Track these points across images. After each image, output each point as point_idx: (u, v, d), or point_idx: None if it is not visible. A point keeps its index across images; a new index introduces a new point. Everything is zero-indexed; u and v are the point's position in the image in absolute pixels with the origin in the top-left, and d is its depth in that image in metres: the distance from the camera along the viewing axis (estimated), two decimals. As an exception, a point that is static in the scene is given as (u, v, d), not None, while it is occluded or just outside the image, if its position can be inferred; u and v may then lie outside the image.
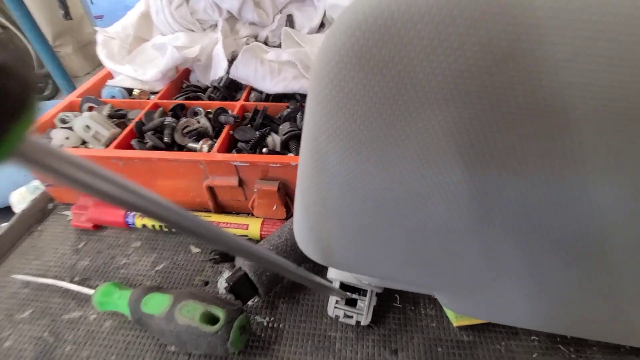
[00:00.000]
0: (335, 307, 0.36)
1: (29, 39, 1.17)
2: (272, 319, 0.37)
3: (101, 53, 0.58)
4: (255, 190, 0.42)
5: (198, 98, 0.53)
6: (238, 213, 0.48)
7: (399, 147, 0.18)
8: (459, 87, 0.14)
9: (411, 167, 0.18)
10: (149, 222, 0.44)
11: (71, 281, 0.40)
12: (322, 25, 0.62)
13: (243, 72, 0.48)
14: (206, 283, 0.40)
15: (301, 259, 0.39)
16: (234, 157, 0.40)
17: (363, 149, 0.18)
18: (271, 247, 0.39)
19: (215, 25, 0.60)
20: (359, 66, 0.15)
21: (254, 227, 0.43)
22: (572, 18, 0.12)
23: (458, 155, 0.17)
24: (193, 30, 0.59)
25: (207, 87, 0.56)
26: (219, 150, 0.42)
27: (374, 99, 0.16)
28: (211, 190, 0.44)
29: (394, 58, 0.14)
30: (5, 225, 0.45)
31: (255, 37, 0.61)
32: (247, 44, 0.56)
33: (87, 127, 0.45)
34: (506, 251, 0.22)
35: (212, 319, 0.32)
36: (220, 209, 0.47)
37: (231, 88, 0.53)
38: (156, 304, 0.33)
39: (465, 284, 0.27)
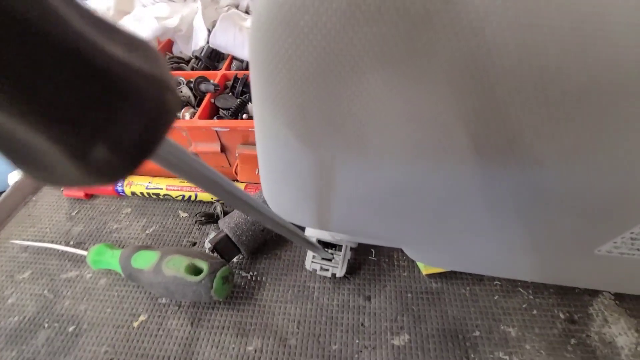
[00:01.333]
0: (312, 262, 0.38)
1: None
2: (255, 273, 0.39)
3: (83, 26, 0.58)
4: (237, 155, 0.44)
5: (181, 69, 0.54)
6: (224, 180, 0.49)
7: (340, 111, 0.18)
8: (383, 52, 0.15)
9: (355, 130, 0.19)
10: (138, 190, 0.46)
11: (66, 245, 0.43)
12: (303, -8, 0.61)
13: (222, 40, 0.48)
14: (194, 244, 0.43)
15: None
16: (214, 123, 0.42)
17: (306, 113, 0.18)
18: (254, 209, 0.41)
19: (196, -5, 0.60)
20: (288, 31, 0.15)
21: (237, 191, 0.45)
22: None
23: (398, 118, 0.18)
24: (174, 0, 0.59)
25: (191, 59, 0.56)
26: (200, 118, 0.43)
27: (307, 64, 0.16)
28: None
29: (317, 23, 0.14)
30: (1, 195, 0.47)
31: (237, 6, 0.61)
32: (228, 13, 0.56)
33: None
34: (464, 207, 0.24)
35: (196, 271, 0.34)
36: (206, 176, 0.49)
37: (213, 58, 0.54)
38: (145, 260, 0.35)
39: (427, 237, 0.29)
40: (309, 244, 0.33)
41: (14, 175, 0.76)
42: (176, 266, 0.34)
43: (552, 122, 0.16)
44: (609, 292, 0.35)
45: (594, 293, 0.35)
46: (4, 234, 0.45)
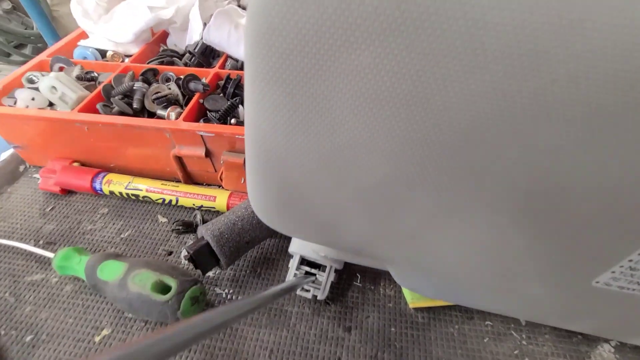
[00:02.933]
0: (293, 283, 0.35)
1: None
2: (231, 291, 0.37)
3: (76, 11, 0.55)
4: (222, 162, 0.41)
5: (173, 63, 0.51)
6: (209, 185, 0.47)
7: (329, 90, 0.17)
8: (374, 25, 0.14)
9: (344, 111, 0.18)
10: (117, 189, 0.44)
11: (36, 244, 0.40)
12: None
13: (216, 37, 0.45)
14: (170, 253, 0.40)
15: (267, 232, 0.39)
16: (199, 127, 0.39)
17: (296, 91, 0.18)
18: (237, 218, 0.38)
19: (196, -14, 0.57)
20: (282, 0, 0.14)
21: (221, 199, 0.42)
22: None
23: (389, 97, 0.16)
24: (172, -10, 0.56)
25: (185, 53, 0.54)
26: (187, 119, 0.41)
27: (299, 36, 0.15)
28: (179, 160, 0.43)
29: None
30: (-27, 185, 0.45)
31: (238, 1, 0.58)
32: (228, 7, 0.53)
33: (54, 88, 0.44)
34: (453, 217, 0.21)
35: (164, 288, 0.32)
36: (191, 179, 0.47)
37: (207, 54, 0.51)
38: (111, 271, 0.33)
39: (411, 254, 0.26)
40: (296, 286, 0.32)
41: (4, 154, 0.74)
42: (142, 282, 0.31)
43: (549, 113, 0.15)
44: (609, 344, 0.32)
45: (592, 343, 0.32)
46: (-28, 226, 0.42)
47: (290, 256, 0.37)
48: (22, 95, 0.44)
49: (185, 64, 0.51)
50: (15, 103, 0.44)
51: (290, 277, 0.36)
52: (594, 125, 0.15)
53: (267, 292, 0.26)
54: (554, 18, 0.12)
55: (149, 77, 0.47)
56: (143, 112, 0.45)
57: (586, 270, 0.23)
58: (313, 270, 0.36)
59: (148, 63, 0.50)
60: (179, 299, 0.31)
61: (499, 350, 0.32)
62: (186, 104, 0.44)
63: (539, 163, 0.17)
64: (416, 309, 0.35)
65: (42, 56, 0.51)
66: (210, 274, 0.38)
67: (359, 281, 0.37)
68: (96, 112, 0.43)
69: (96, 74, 0.49)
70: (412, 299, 0.34)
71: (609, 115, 0.15)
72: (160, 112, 0.43)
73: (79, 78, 0.47)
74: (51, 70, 0.49)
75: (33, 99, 0.44)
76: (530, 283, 0.25)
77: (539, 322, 0.32)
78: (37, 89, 0.45)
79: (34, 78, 0.47)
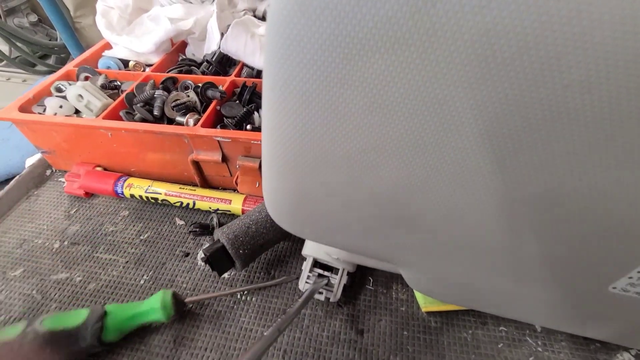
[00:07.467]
0: (307, 282, 0.36)
1: (45, 8, 1.18)
2: (245, 292, 0.37)
3: (100, 23, 0.58)
4: (238, 166, 0.42)
5: (191, 72, 0.53)
6: (225, 189, 0.48)
7: (345, 98, 0.18)
8: (388, 34, 0.15)
9: (359, 118, 0.18)
10: (137, 193, 0.45)
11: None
12: None
13: (233, 47, 0.47)
14: (187, 254, 0.42)
15: (280, 235, 0.40)
16: (216, 133, 0.40)
17: (312, 99, 0.18)
18: (251, 222, 0.39)
19: (214, -3, 0.59)
20: (301, 12, 0.15)
21: (236, 202, 0.43)
22: None
23: (402, 104, 0.17)
24: (191, 2, 0.59)
25: (203, 62, 0.56)
26: (204, 125, 0.42)
27: (316, 46, 0.16)
28: (197, 164, 0.45)
29: (329, 4, 0.15)
30: (4, 189, 0.47)
31: (254, 11, 0.60)
32: (244, 17, 0.55)
33: (80, 96, 0.46)
34: (471, 219, 0.21)
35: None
36: (207, 183, 0.48)
37: (224, 63, 0.53)
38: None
39: (425, 258, 0.26)
40: (314, 292, 0.33)
41: (32, 160, 0.78)
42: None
43: (561, 118, 0.15)
44: (629, 352, 0.31)
45: (611, 352, 0.31)
46: (2, 227, 0.45)
47: (304, 259, 0.38)
48: (51, 103, 0.46)
49: (203, 73, 0.53)
50: (44, 110, 0.47)
51: (303, 279, 0.36)
52: (607, 130, 0.15)
53: (292, 309, 0.28)
54: (564, 26, 0.13)
55: (169, 85, 0.49)
56: (163, 118, 0.47)
57: (602, 275, 0.23)
58: (326, 273, 0.36)
59: (168, 72, 0.52)
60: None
61: (514, 356, 0.32)
62: (204, 111, 0.46)
63: (552, 168, 0.17)
64: (429, 313, 0.35)
65: (69, 66, 0.53)
66: (225, 275, 0.39)
67: (371, 284, 0.38)
68: (119, 119, 0.45)
69: (119, 83, 0.51)
70: (425, 303, 0.34)
71: (622, 121, 0.15)
72: (179, 118, 0.45)
73: (103, 87, 0.49)
74: (77, 80, 0.52)
75: (61, 106, 0.46)
76: (545, 288, 0.25)
77: (555, 329, 0.32)
78: (64, 97, 0.47)
79: (61, 87, 0.49)
